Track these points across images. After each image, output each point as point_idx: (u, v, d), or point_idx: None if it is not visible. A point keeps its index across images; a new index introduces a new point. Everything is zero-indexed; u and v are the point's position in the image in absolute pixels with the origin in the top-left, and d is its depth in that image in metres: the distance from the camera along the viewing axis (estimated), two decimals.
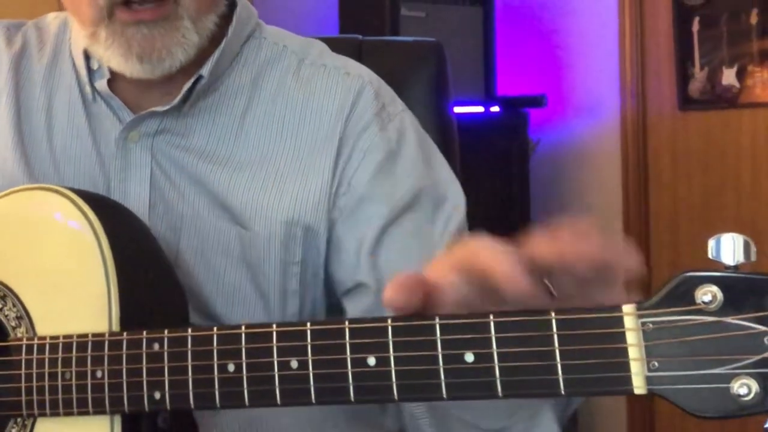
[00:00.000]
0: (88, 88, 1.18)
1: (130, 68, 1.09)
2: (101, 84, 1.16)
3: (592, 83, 3.24)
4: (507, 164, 3.04)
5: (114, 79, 1.16)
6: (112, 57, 1.09)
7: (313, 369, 0.80)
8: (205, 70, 1.13)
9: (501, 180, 3.03)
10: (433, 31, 2.79)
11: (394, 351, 0.77)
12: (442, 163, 1.21)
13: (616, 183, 3.18)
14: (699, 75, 3.01)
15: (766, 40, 2.87)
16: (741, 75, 2.93)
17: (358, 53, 1.56)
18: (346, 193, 1.13)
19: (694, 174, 3.06)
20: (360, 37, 1.63)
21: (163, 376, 0.87)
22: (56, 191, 1.01)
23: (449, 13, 2.99)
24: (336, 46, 1.29)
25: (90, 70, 1.17)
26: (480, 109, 3.00)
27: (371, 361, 0.78)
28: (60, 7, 1.18)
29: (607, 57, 3.18)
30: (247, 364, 0.83)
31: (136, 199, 1.14)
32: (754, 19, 2.89)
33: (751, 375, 0.65)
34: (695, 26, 3.02)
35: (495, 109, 3.03)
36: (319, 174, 1.13)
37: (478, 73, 3.03)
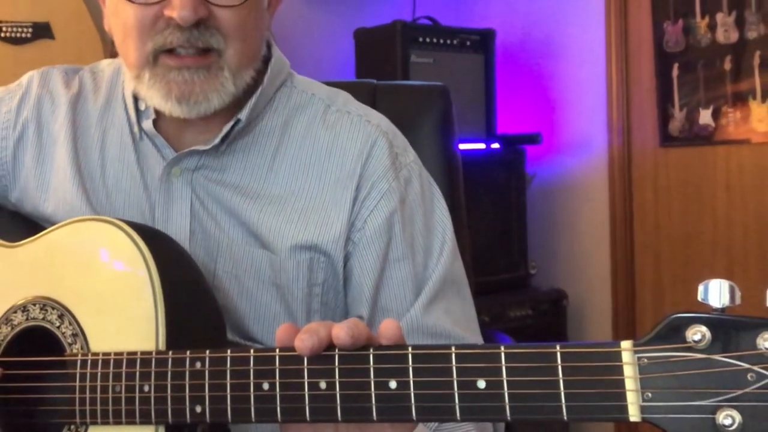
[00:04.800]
0: (136, 128, 1.19)
1: (168, 108, 1.10)
2: (147, 124, 1.17)
3: (582, 122, 3.23)
4: (506, 195, 3.03)
5: (159, 118, 1.17)
6: (153, 96, 1.10)
7: (339, 390, 0.80)
8: (243, 115, 1.14)
9: (501, 209, 3.01)
10: (440, 76, 2.79)
11: (414, 376, 0.77)
12: (439, 205, 1.21)
13: (603, 212, 3.17)
14: (678, 115, 3.01)
15: (739, 84, 2.86)
16: (716, 115, 2.92)
17: (373, 96, 1.56)
18: (362, 229, 1.14)
19: (674, 204, 3.05)
20: (374, 81, 1.62)
21: (204, 392, 0.87)
22: (110, 222, 1.01)
23: (454, 60, 2.98)
24: (353, 89, 1.29)
25: (138, 111, 1.18)
26: (482, 146, 2.99)
27: (392, 384, 0.78)
28: (106, 55, 1.19)
29: (596, 99, 3.18)
30: (280, 383, 0.83)
31: (177, 227, 1.15)
32: (727, 66, 2.88)
33: (734, 407, 0.65)
34: (675, 71, 3.01)
35: (495, 146, 3.02)
36: (340, 208, 1.14)
37: (480, 114, 3.03)
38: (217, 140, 1.14)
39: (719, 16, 2.90)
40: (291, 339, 0.83)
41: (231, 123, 1.14)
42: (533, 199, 3.14)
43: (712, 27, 2.92)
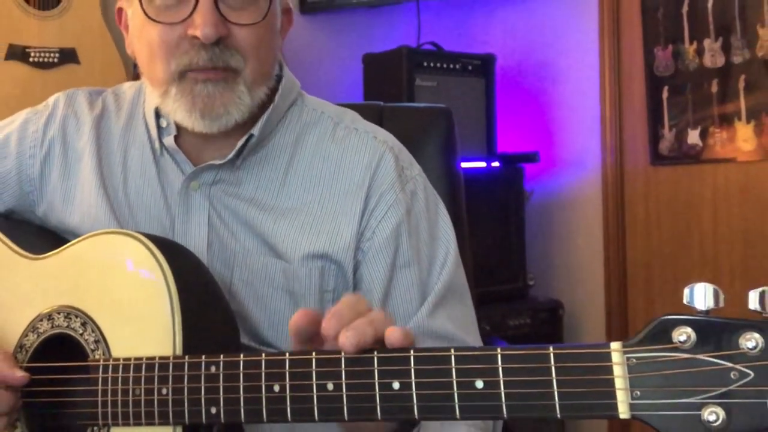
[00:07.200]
0: (157, 144, 1.20)
1: (192, 122, 1.11)
2: (168, 140, 1.18)
3: (577, 142, 3.23)
4: (505, 211, 3.01)
5: (179, 135, 1.18)
6: (178, 111, 1.11)
7: (346, 391, 0.80)
8: (256, 130, 1.15)
9: (500, 224, 3.00)
10: (443, 99, 2.78)
11: (416, 377, 0.77)
12: (443, 216, 1.22)
13: (597, 227, 3.16)
14: (668, 135, 3.00)
15: (725, 106, 2.85)
16: (704, 135, 2.92)
17: (379, 117, 1.57)
18: (371, 239, 1.14)
19: (664, 219, 3.04)
20: (381, 103, 1.63)
21: (219, 394, 0.88)
22: (129, 235, 1.02)
23: (457, 83, 2.98)
24: (361, 110, 1.29)
25: (159, 128, 1.19)
26: (482, 164, 2.97)
27: (396, 385, 0.78)
28: (128, 78, 1.19)
29: (590, 120, 3.18)
30: (290, 385, 0.83)
31: (196, 238, 1.15)
32: (714, 88, 2.88)
33: (719, 404, 0.65)
34: (665, 93, 3.01)
35: (495, 164, 3.00)
36: (349, 219, 1.14)
37: (481, 134, 3.02)
38: (231, 154, 1.15)
39: (706, 42, 2.90)
40: (310, 322, 0.85)
41: (245, 137, 1.15)
42: (531, 215, 3.13)
43: (699, 52, 2.92)
